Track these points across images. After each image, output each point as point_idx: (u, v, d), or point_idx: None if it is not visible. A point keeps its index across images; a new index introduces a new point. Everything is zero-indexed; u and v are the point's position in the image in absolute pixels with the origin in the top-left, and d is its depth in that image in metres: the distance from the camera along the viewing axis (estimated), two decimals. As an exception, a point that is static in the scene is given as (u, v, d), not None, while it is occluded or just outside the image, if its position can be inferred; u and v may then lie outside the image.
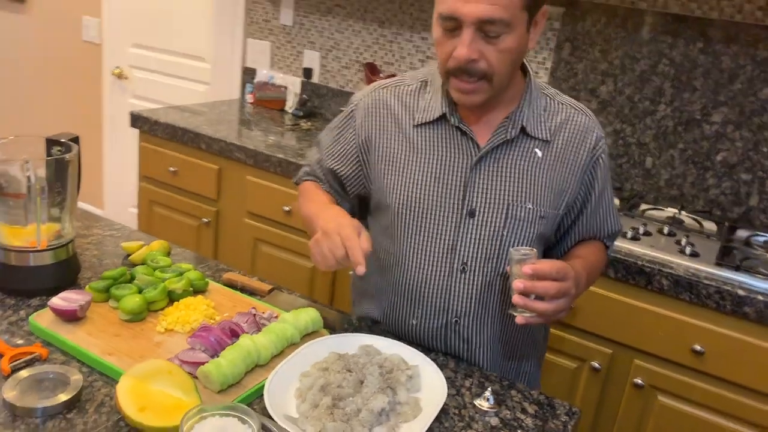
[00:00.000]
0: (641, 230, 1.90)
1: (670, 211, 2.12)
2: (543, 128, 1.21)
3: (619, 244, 1.82)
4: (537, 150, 1.21)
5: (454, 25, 1.08)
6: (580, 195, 1.26)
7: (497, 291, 1.22)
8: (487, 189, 1.20)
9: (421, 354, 1.13)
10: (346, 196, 1.36)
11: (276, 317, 1.17)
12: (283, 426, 0.91)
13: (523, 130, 1.20)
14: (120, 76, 3.48)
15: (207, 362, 0.99)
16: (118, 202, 3.70)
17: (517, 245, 1.20)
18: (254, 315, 1.14)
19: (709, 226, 2.05)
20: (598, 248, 1.34)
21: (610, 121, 2.31)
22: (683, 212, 2.11)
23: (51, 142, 1.24)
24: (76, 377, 0.97)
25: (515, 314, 1.07)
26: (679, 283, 1.70)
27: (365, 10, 2.72)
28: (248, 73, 3.05)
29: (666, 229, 1.94)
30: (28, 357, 1.01)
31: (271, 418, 0.92)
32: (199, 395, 0.92)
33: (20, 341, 1.06)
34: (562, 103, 1.25)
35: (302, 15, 2.87)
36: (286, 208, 2.29)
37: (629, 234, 1.86)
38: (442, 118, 1.22)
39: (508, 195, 1.20)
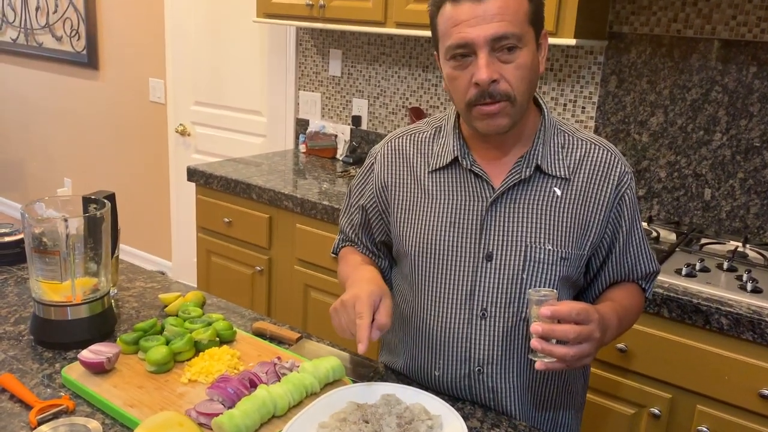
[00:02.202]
0: (698, 266, 1.80)
1: (732, 245, 2.00)
2: (560, 165, 1.17)
3: (673, 281, 1.73)
4: (556, 189, 1.17)
5: (466, 51, 1.08)
6: (607, 234, 1.20)
7: (521, 337, 1.17)
8: (503, 231, 1.16)
9: (446, 404, 1.09)
10: (379, 253, 1.36)
11: (298, 366, 1.16)
12: (292, 479, 0.89)
13: (538, 168, 1.16)
14: (183, 133, 3.64)
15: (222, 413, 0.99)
16: (184, 253, 3.83)
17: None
18: (275, 365, 1.14)
19: (776, 259, 1.92)
20: (632, 291, 1.26)
21: (663, 153, 2.22)
22: (747, 245, 1.99)
23: (87, 200, 1.30)
24: (97, 429, 0.99)
25: (535, 359, 1.02)
26: (739, 322, 1.59)
27: (410, 57, 2.76)
28: (301, 124, 3.13)
29: (726, 264, 1.83)
30: (56, 409, 1.04)
31: (280, 471, 0.91)
32: (207, 448, 0.91)
33: (51, 393, 1.10)
34: (582, 139, 1.20)
35: (350, 65, 2.94)
36: (334, 255, 2.30)
37: (684, 271, 1.76)
38: (455, 162, 1.20)
39: (526, 236, 1.16)
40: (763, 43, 1.99)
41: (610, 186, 1.18)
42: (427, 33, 2.31)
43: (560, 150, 1.18)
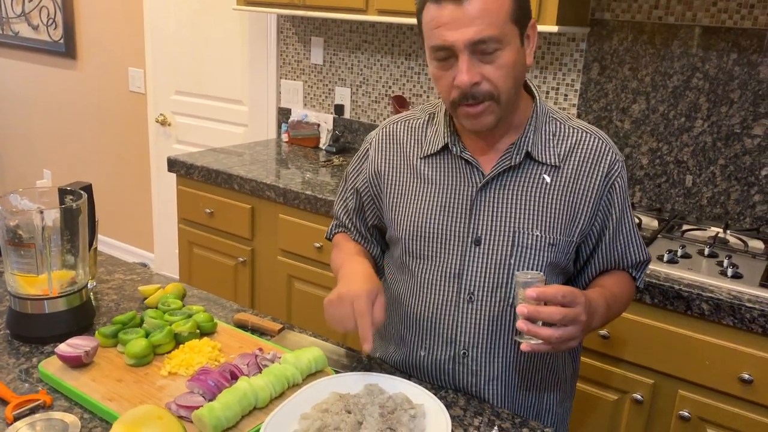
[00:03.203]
0: (679, 252, 1.81)
1: (713, 231, 2.01)
2: (551, 153, 1.18)
3: (655, 267, 1.74)
4: (545, 176, 1.17)
5: (447, 54, 1.08)
6: (597, 222, 1.20)
7: (507, 322, 1.17)
8: (492, 216, 1.17)
9: (428, 392, 1.09)
10: (372, 239, 1.36)
11: (279, 358, 1.15)
12: (274, 471, 0.89)
13: (528, 155, 1.17)
14: (163, 123, 3.60)
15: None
16: (167, 245, 3.80)
17: None
18: (256, 356, 1.13)
19: (756, 244, 1.93)
20: (622, 279, 1.26)
21: (645, 140, 2.23)
22: (728, 231, 2.00)
23: (63, 192, 1.28)
24: (75, 425, 0.97)
25: (521, 341, 1.02)
26: (720, 308, 1.60)
27: (392, 44, 2.74)
28: (283, 113, 3.11)
29: (707, 250, 1.84)
30: (32, 404, 1.02)
31: (262, 463, 0.90)
32: (188, 441, 0.90)
33: (28, 388, 1.08)
34: (573, 127, 1.21)
35: (332, 53, 2.91)
36: (317, 245, 2.29)
37: (665, 257, 1.77)
38: (446, 148, 1.21)
39: (514, 222, 1.16)
40: (743, 30, 2.00)
41: (600, 174, 1.18)
42: (410, 20, 2.30)
43: (551, 138, 1.19)
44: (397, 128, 1.29)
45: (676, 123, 2.17)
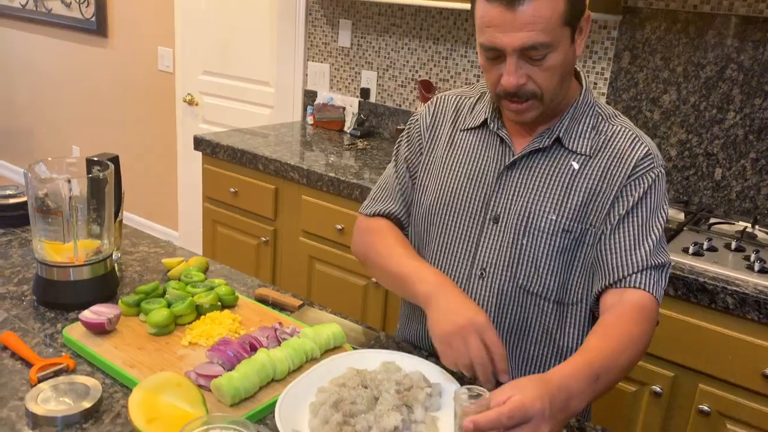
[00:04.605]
0: (705, 245, 1.78)
1: (741, 225, 1.97)
2: (583, 143, 1.17)
3: (679, 259, 1.71)
4: (574, 162, 1.17)
5: (496, 54, 1.09)
6: (611, 211, 1.15)
7: (514, 302, 1.19)
8: (512, 195, 1.18)
9: (445, 372, 1.09)
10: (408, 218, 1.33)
11: (299, 332, 1.16)
12: (290, 442, 0.89)
13: (559, 141, 1.17)
14: (191, 102, 3.62)
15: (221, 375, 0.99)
16: (191, 223, 3.84)
17: (538, 257, 1.16)
18: (276, 330, 1.14)
19: (785, 240, 1.89)
20: (627, 316, 1.07)
21: (674, 131, 2.19)
22: (757, 226, 1.97)
23: (91, 162, 1.30)
24: (97, 388, 0.99)
25: None
26: (745, 302, 1.58)
27: (420, 28, 2.72)
28: (309, 96, 3.11)
29: (734, 244, 1.81)
30: (56, 368, 1.04)
31: (278, 433, 0.91)
32: (205, 408, 0.91)
33: (52, 352, 1.10)
34: (615, 125, 1.19)
35: (359, 36, 2.90)
36: (339, 227, 2.30)
37: (691, 249, 1.74)
38: (485, 124, 1.24)
39: (532, 203, 1.17)
40: (781, 20, 1.95)
41: (627, 166, 1.15)
42: (440, 4, 2.28)
43: (589, 129, 1.18)
44: (448, 100, 1.32)
45: (707, 114, 2.13)
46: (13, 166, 5.16)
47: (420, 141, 1.32)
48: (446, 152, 1.27)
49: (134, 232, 1.65)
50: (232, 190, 2.62)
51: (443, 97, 1.33)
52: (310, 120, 3.04)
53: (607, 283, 1.12)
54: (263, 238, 2.58)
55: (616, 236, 1.14)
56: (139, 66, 3.88)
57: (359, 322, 1.29)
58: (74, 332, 1.13)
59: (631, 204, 1.14)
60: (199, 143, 2.68)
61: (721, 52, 2.07)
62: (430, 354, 1.19)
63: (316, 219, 2.38)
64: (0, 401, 0.97)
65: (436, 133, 1.30)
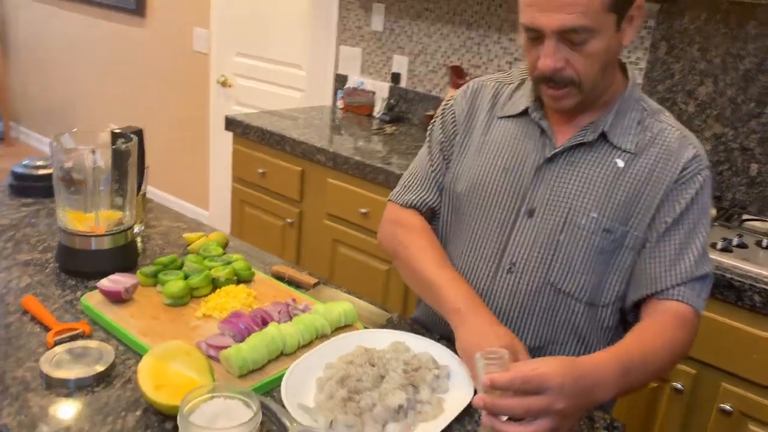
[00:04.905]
0: (735, 241, 1.73)
1: (775, 223, 1.92)
2: (629, 139, 1.13)
3: (707, 255, 1.67)
4: (618, 160, 1.13)
5: (536, 35, 1.06)
6: (654, 219, 1.11)
7: (543, 300, 1.15)
8: (552, 190, 1.15)
9: (455, 356, 1.08)
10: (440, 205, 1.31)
11: (311, 309, 1.16)
12: (293, 414, 0.90)
13: (604, 136, 1.13)
14: (225, 84, 3.65)
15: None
16: (221, 203, 3.88)
17: (574, 255, 1.13)
18: (288, 305, 1.15)
19: (820, 240, 1.83)
20: (663, 325, 1.06)
21: (709, 124, 2.13)
22: (791, 224, 1.91)
23: (116, 135, 1.31)
24: (110, 354, 1.01)
25: None
26: (773, 300, 1.53)
27: (453, 13, 2.69)
28: (340, 80, 3.11)
29: (765, 242, 1.76)
30: (72, 333, 1.07)
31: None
32: (212, 377, 0.92)
33: (70, 318, 1.13)
34: (661, 122, 1.16)
35: (392, 20, 2.89)
36: (363, 211, 2.30)
37: (719, 245, 1.70)
38: (526, 113, 1.20)
39: (573, 199, 1.13)
40: (826, 12, 1.88)
41: (674, 169, 1.11)
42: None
43: (634, 125, 1.14)
44: (486, 85, 1.28)
45: (744, 108, 2.06)
46: (48, 140, 5.27)
47: (454, 125, 1.28)
48: (482, 140, 1.23)
49: (158, 206, 1.67)
50: (260, 171, 2.64)
51: (480, 81, 1.29)
52: (340, 104, 3.04)
53: (647, 293, 1.11)
54: (288, 220, 2.59)
55: (661, 246, 1.11)
56: (174, 46, 3.92)
57: (374, 302, 1.29)
58: (92, 299, 1.15)
59: (678, 212, 1.10)
60: (230, 124, 2.71)
61: (762, 43, 2.00)
62: (442, 337, 1.18)
63: (341, 202, 2.38)
64: (17, 362, 0.99)
65: (472, 119, 1.26)
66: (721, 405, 1.64)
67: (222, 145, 3.76)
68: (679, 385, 1.71)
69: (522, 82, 1.25)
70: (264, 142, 2.58)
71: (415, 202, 1.30)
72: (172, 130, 4.09)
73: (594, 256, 1.13)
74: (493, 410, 0.84)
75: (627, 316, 1.18)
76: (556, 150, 1.15)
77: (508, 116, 1.22)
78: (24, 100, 5.42)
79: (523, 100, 1.20)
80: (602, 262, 1.13)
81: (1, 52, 5.38)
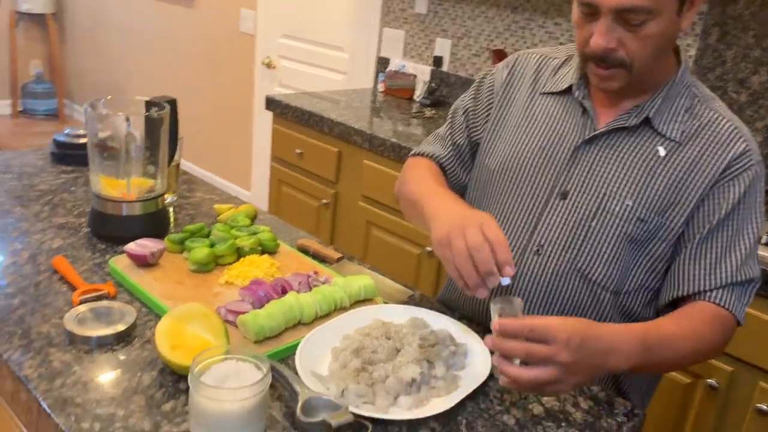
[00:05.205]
0: (781, 236, 1.66)
1: (826, 219, 1.83)
2: (674, 127, 1.08)
3: (749, 248, 1.60)
4: (660, 147, 1.08)
5: (591, 11, 1.02)
6: (695, 216, 1.06)
7: (569, 285, 1.12)
8: (587, 172, 1.11)
9: (474, 333, 1.07)
10: (467, 163, 1.29)
11: (331, 282, 1.16)
12: (306, 381, 0.90)
13: (648, 121, 1.09)
14: (269, 65, 3.68)
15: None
16: (262, 183, 3.92)
17: (604, 243, 1.09)
18: (309, 277, 1.15)
19: None
20: (699, 315, 1.03)
21: (761, 115, 2.05)
22: (844, 221, 1.82)
23: (150, 104, 1.33)
24: (132, 315, 1.03)
25: (497, 375, 0.91)
26: (818, 298, 1.47)
27: (498, -3, 2.65)
28: (382, 63, 3.09)
29: (813, 237, 1.68)
30: (98, 293, 1.09)
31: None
32: (227, 340, 0.93)
33: (97, 280, 1.15)
34: (712, 110, 1.10)
35: (436, 3, 2.86)
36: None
37: (764, 239, 1.63)
38: (569, 91, 1.16)
39: (609, 184, 1.09)
40: None
41: (717, 164, 1.05)
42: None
43: (682, 112, 1.09)
44: (529, 58, 1.24)
45: (799, 98, 1.97)
46: (104, 121, 5.41)
47: (490, 97, 1.25)
48: (521, 115, 1.20)
49: (194, 179, 1.70)
50: (298, 151, 2.65)
51: (524, 54, 1.25)
52: (381, 87, 3.03)
53: (683, 293, 1.06)
54: (324, 201, 2.60)
55: (703, 246, 1.06)
56: (222, 27, 3.97)
57: (397, 279, 1.28)
58: (119, 263, 1.17)
59: (723, 211, 1.05)
60: (271, 103, 2.73)
61: (822, 31, 1.91)
62: (463, 316, 1.16)
63: (376, 184, 2.38)
64: (43, 318, 1.02)
65: (512, 93, 1.23)
66: (758, 405, 1.59)
67: (265, 127, 3.79)
68: (714, 383, 1.66)
69: (568, 58, 1.20)
70: (303, 122, 2.59)
71: (426, 152, 1.31)
72: (218, 111, 4.15)
73: (624, 245, 1.09)
74: (498, 350, 0.87)
75: (659, 315, 1.13)
76: (596, 132, 1.11)
77: (551, 93, 1.18)
78: (78, 79, 5.58)
79: (567, 77, 1.16)
80: (632, 251, 1.10)
81: (59, 34, 5.54)
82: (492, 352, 0.95)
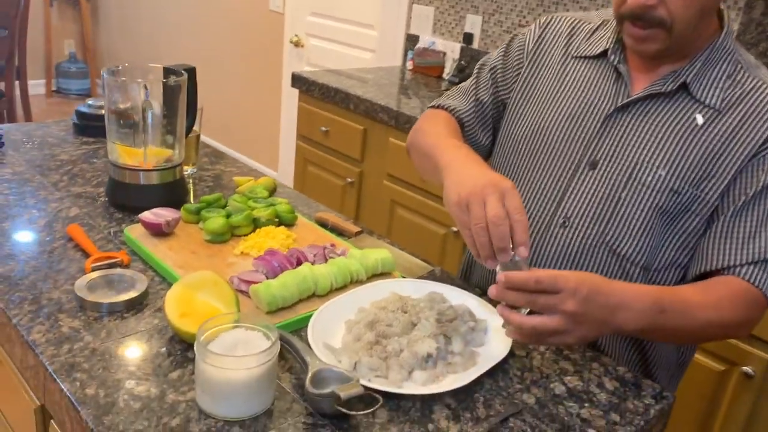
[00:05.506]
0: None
1: None
2: (714, 94, 1.01)
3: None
4: (698, 115, 1.02)
5: None
6: (731, 188, 1.00)
7: (596, 259, 1.07)
8: (619, 141, 1.05)
9: (495, 310, 1.02)
10: (488, 123, 1.23)
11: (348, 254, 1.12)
12: (317, 353, 0.87)
13: (685, 87, 1.02)
14: (297, 44, 3.65)
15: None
16: (289, 163, 3.91)
17: (634, 215, 1.03)
18: (325, 249, 1.11)
19: None
20: (724, 285, 0.97)
21: (807, 93, 1.94)
22: None
23: (168, 71, 1.31)
24: (143, 283, 1.01)
25: (503, 327, 0.89)
26: None
27: (531, -29, 2.56)
28: (411, 40, 3.04)
29: None
30: (111, 261, 1.07)
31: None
32: (238, 309, 0.90)
33: (112, 248, 1.13)
34: (756, 77, 1.02)
35: (467, -21, 2.78)
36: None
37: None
38: (603, 55, 1.10)
39: (641, 153, 1.03)
40: None
41: (759, 134, 0.99)
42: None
43: (723, 78, 1.02)
44: (562, 21, 1.18)
45: None
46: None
47: (520, 57, 1.19)
48: (552, 80, 1.14)
49: (215, 152, 1.67)
50: (323, 129, 2.62)
51: (557, 17, 1.19)
52: (409, 65, 2.97)
53: (711, 268, 1.00)
54: (349, 179, 2.57)
55: (737, 220, 1.00)
56: (251, 5, 3.94)
57: (416, 254, 1.24)
58: (134, 232, 1.15)
59: (761, 185, 0.99)
60: (296, 80, 2.69)
61: None
62: (484, 293, 1.12)
63: (402, 163, 2.33)
64: (54, 284, 1.01)
65: (543, 55, 1.17)
66: (796, 394, 1.52)
67: (292, 107, 3.76)
68: (749, 370, 1.59)
69: (603, 23, 1.14)
70: (328, 99, 2.56)
71: (446, 105, 1.25)
72: (246, 90, 4.13)
73: (656, 218, 1.03)
74: (502, 299, 0.84)
75: None
76: (631, 98, 1.05)
77: (584, 56, 1.12)
78: (110, 59, 5.62)
79: (603, 41, 1.11)
80: (664, 225, 1.04)
81: (91, 14, 5.58)
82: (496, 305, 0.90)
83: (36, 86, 5.53)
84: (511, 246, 0.85)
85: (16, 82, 4.05)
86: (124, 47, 5.37)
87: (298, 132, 2.79)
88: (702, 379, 1.67)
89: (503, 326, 0.88)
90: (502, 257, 0.86)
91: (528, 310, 0.84)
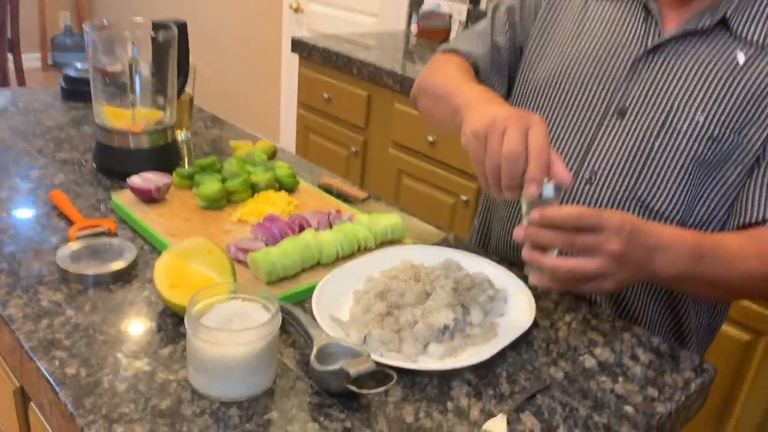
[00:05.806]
0: None
1: None
2: (756, 28, 0.91)
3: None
4: (740, 52, 0.92)
5: None
6: None
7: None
8: (651, 85, 0.95)
9: (515, 277, 0.94)
10: (499, 75, 1.13)
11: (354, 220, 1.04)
12: (323, 326, 0.79)
13: (725, 23, 0.92)
14: (297, 9, 3.53)
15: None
16: (290, 133, 3.80)
17: (669, 166, 0.94)
18: (329, 215, 1.03)
19: None
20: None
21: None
22: None
23: (157, 26, 1.21)
24: (131, 252, 0.92)
25: (527, 273, 0.79)
26: None
27: (541, -74, 2.44)
28: (416, 3, 2.91)
29: None
30: (96, 229, 0.99)
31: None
32: (234, 278, 0.82)
33: (99, 215, 1.05)
34: None
35: (474, -64, 2.66)
36: (431, 139, 2.14)
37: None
38: None
39: (676, 97, 0.93)
40: None
41: None
42: None
43: (767, 10, 0.92)
44: None
45: None
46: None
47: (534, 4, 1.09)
48: (572, 22, 1.04)
49: (210, 116, 1.58)
50: (325, 95, 2.52)
51: None
52: (414, 30, 2.85)
53: (752, 220, 0.91)
54: (353, 148, 2.47)
55: None
56: (248, -28, 3.81)
57: (428, 221, 1.15)
58: (123, 198, 1.07)
59: None
60: (296, 45, 2.59)
61: None
62: (502, 260, 1.03)
63: (408, 130, 2.24)
64: (35, 255, 0.92)
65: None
66: (828, 365, 1.44)
67: (293, 75, 3.65)
68: (777, 340, 1.51)
69: None
70: (330, 65, 2.45)
71: (460, 49, 1.13)
72: (245, 58, 4.02)
73: (693, 169, 0.93)
74: (533, 240, 0.75)
75: None
76: (663, 39, 0.95)
77: None
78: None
79: None
80: (701, 177, 0.94)
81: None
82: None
83: (31, 60, 5.41)
84: (517, 184, 0.76)
85: (9, 55, 3.93)
86: (120, 20, 5.23)
87: (299, 100, 2.69)
88: (727, 349, 1.60)
89: (526, 271, 0.79)
90: (508, 195, 0.76)
91: (556, 252, 0.75)
